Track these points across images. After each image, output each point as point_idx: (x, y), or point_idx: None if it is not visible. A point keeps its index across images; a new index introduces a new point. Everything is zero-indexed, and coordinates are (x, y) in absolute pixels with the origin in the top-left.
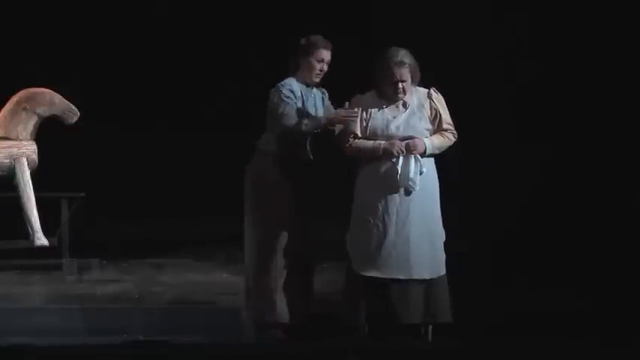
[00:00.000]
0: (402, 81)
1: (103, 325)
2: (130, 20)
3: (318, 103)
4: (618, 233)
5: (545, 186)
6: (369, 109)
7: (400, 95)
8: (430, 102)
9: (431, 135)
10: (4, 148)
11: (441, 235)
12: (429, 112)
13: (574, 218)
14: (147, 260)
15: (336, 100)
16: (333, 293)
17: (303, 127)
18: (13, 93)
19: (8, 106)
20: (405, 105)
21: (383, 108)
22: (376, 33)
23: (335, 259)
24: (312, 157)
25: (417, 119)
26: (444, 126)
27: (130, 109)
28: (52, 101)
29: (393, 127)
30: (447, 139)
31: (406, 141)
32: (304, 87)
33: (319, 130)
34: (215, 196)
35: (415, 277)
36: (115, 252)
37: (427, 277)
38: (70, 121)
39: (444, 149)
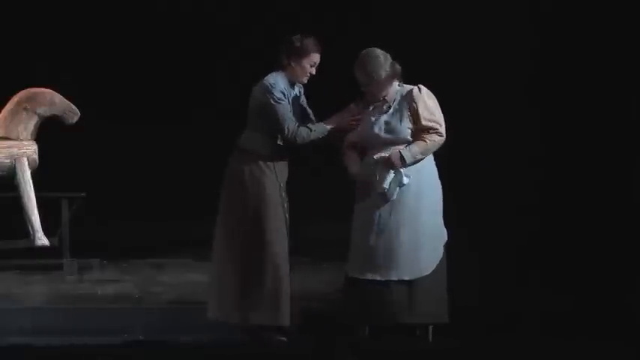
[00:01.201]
0: (365, 85)
1: (104, 325)
2: (133, 20)
3: (297, 100)
4: (618, 232)
5: (546, 185)
6: (363, 113)
7: (373, 96)
8: (411, 101)
9: (413, 134)
10: (4, 148)
11: (434, 235)
12: (409, 111)
13: (574, 218)
14: (147, 260)
15: (330, 103)
16: (333, 293)
17: (312, 135)
18: (14, 93)
19: (9, 106)
20: (386, 106)
21: (369, 109)
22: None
23: (335, 259)
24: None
25: (397, 120)
26: (424, 124)
27: (131, 109)
28: (53, 101)
29: (376, 129)
30: (429, 142)
31: (384, 156)
32: (289, 85)
33: (324, 136)
34: (215, 196)
35: (394, 278)
36: (115, 252)
37: (407, 278)
38: (70, 121)
39: (431, 152)
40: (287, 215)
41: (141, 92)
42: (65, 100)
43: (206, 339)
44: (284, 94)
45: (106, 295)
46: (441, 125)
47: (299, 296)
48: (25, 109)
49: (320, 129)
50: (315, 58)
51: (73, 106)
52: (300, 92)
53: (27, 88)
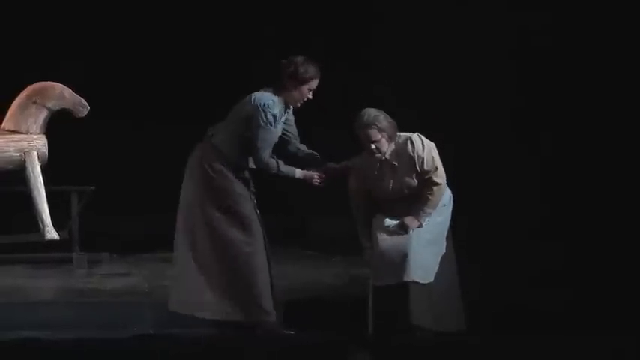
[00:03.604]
0: (373, 142)
1: (113, 318)
2: (143, 14)
3: (286, 122)
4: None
5: (547, 181)
6: (364, 176)
7: (378, 155)
8: (409, 157)
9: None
10: (14, 142)
11: (438, 244)
12: (411, 164)
13: (579, 214)
14: (156, 254)
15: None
16: (342, 287)
17: (275, 170)
18: (23, 87)
19: (19, 100)
20: (389, 164)
21: (374, 172)
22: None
23: (344, 252)
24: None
25: (405, 175)
26: (424, 177)
27: (140, 102)
28: (63, 95)
29: (389, 190)
30: (432, 197)
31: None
32: (283, 109)
33: (287, 177)
34: None
35: (406, 279)
36: (124, 245)
37: (418, 279)
38: (80, 114)
39: (438, 203)
40: (257, 211)
41: (150, 85)
42: (75, 93)
43: (215, 332)
44: (275, 118)
45: (115, 289)
46: (435, 172)
47: (308, 290)
48: (35, 102)
49: (288, 171)
50: (315, 84)
51: (83, 100)
52: (290, 113)
53: (36, 82)
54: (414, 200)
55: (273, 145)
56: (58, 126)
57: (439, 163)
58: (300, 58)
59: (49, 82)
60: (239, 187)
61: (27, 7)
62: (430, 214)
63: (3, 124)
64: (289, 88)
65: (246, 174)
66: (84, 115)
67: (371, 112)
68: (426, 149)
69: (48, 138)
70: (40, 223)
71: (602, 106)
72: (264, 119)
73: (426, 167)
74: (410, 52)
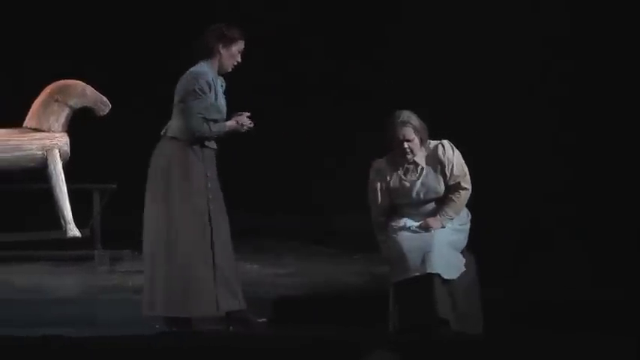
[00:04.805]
0: (407, 140)
1: (135, 316)
2: (162, 12)
3: (222, 91)
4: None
5: (549, 182)
6: (387, 178)
7: (409, 156)
8: (439, 161)
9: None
10: (36, 139)
11: (458, 247)
12: (441, 168)
13: (607, 205)
14: None
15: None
16: (362, 284)
17: (208, 133)
18: (45, 85)
19: (40, 98)
20: (418, 167)
21: (399, 174)
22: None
23: (365, 250)
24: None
25: (432, 179)
26: (451, 183)
27: (162, 100)
28: (84, 93)
29: (413, 194)
30: (458, 201)
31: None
32: (215, 75)
33: (221, 135)
34: (240, 187)
35: (429, 271)
36: None
37: (440, 272)
38: (101, 112)
39: (462, 208)
40: (211, 205)
41: (172, 83)
42: (96, 91)
43: (236, 329)
44: (209, 86)
45: (137, 286)
46: (464, 177)
47: (329, 287)
48: (57, 100)
49: (220, 128)
50: (242, 45)
51: (105, 98)
52: (223, 84)
53: (58, 80)
54: (435, 206)
55: (205, 115)
56: (80, 124)
57: (467, 170)
58: (222, 24)
59: (71, 80)
60: (195, 182)
61: (49, 6)
62: (452, 218)
63: (25, 122)
64: (219, 51)
65: (205, 163)
66: (105, 114)
67: (405, 112)
68: (455, 154)
69: (70, 136)
70: (62, 221)
71: (617, 106)
72: (197, 86)
73: (455, 172)
74: (411, 52)
